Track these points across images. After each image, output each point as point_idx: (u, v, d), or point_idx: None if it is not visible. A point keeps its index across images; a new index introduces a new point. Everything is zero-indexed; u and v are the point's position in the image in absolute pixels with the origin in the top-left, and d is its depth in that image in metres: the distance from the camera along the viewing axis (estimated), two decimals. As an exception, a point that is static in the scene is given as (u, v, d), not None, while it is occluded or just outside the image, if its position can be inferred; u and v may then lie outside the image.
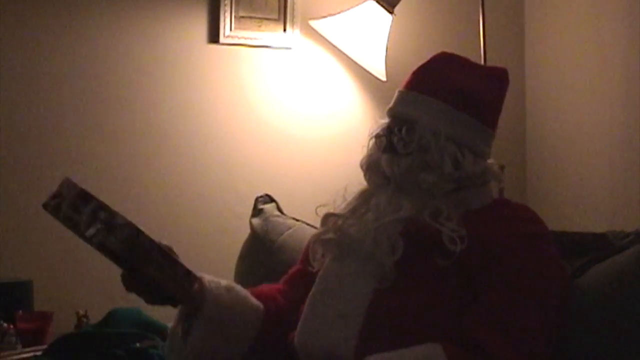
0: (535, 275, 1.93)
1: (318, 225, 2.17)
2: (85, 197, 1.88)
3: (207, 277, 2.08)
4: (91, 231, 1.86)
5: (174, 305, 2.03)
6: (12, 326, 2.69)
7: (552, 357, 1.89)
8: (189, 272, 2.00)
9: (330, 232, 2.09)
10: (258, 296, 2.15)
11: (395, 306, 1.93)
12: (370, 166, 2.14)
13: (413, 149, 2.05)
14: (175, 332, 2.06)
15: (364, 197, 2.13)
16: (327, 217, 2.14)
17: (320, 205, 2.17)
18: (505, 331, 1.85)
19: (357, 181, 2.20)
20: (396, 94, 2.15)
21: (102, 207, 1.85)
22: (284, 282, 2.29)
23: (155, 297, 1.99)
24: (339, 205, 2.15)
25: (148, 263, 1.90)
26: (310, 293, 2.06)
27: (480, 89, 2.13)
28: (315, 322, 2.00)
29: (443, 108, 2.08)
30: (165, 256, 1.94)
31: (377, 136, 2.13)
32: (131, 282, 1.99)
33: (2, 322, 2.69)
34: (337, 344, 1.94)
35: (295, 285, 2.22)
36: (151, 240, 1.92)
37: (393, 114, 2.12)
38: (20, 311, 2.77)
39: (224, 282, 2.10)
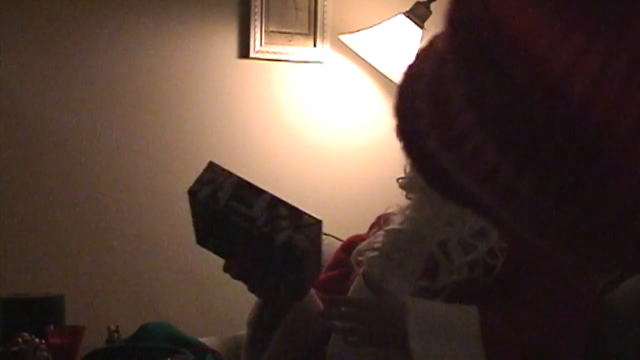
0: (571, 281, 1.92)
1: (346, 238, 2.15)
2: (250, 186, 1.84)
3: None
4: (268, 227, 1.80)
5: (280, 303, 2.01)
6: (43, 341, 2.70)
7: None
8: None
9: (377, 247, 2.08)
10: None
11: None
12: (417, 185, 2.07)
13: None
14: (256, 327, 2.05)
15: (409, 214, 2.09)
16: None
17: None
18: (535, 314, 1.84)
19: (388, 193, 2.19)
20: None
21: (279, 200, 1.80)
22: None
23: (276, 291, 1.95)
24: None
25: (316, 262, 1.85)
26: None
27: None
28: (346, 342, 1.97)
29: None
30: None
31: None
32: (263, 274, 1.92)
33: (33, 337, 2.69)
34: None
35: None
36: None
37: None
38: (52, 326, 2.78)
39: None
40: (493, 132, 0.59)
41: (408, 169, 2.14)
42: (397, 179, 2.17)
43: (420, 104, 0.66)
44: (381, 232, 2.12)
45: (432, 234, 2.01)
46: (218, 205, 1.81)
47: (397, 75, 3.50)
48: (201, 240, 1.97)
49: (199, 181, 1.84)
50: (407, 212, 2.13)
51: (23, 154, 3.13)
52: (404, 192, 2.14)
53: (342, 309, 1.85)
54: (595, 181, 0.56)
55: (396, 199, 2.19)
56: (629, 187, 0.56)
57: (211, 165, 1.86)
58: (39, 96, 3.15)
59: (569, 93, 0.56)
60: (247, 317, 2.29)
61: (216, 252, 1.97)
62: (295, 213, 1.78)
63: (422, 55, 0.70)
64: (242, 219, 1.80)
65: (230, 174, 1.83)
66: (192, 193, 1.85)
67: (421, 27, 3.35)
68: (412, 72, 0.71)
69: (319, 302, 2.07)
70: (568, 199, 0.58)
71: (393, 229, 2.07)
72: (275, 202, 1.78)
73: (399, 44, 3.34)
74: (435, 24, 3.50)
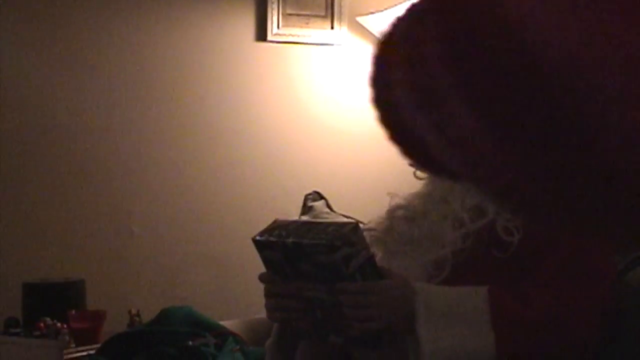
0: (590, 255, 1.91)
1: (366, 221, 2.15)
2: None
3: None
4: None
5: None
6: (65, 325, 2.71)
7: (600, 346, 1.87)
8: None
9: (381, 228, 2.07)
10: None
11: None
12: None
13: None
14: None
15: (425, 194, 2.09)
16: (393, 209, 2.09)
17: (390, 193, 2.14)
18: (549, 291, 1.84)
19: (405, 176, 2.18)
20: None
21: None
22: None
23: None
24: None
25: None
26: None
27: None
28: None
29: None
30: None
31: None
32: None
33: (55, 321, 2.71)
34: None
35: None
36: None
37: None
38: (73, 310, 2.79)
39: None
40: (470, 95, 0.58)
41: None
42: None
43: (395, 71, 0.65)
44: (381, 215, 2.11)
45: (427, 211, 2.01)
46: (347, 272, 1.79)
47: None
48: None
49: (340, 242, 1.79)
50: (410, 192, 2.14)
51: (45, 140, 3.14)
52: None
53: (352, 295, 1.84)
54: (577, 145, 0.55)
55: (413, 181, 2.19)
56: (611, 150, 0.55)
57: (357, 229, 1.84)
58: (59, 82, 3.16)
59: (549, 53, 0.55)
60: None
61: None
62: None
63: (397, 22, 0.69)
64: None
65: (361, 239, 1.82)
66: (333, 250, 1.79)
67: (439, 7, 3.34)
68: (387, 40, 0.70)
69: None
70: (551, 163, 0.57)
71: (393, 209, 2.08)
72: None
73: (417, 25, 3.33)
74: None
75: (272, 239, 1.85)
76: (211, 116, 3.31)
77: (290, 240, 1.82)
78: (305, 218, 2.76)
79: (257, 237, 1.88)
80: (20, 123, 3.12)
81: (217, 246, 3.27)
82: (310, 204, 2.81)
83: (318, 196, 2.84)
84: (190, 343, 2.35)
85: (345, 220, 1.86)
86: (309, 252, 1.79)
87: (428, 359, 1.77)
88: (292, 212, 2.94)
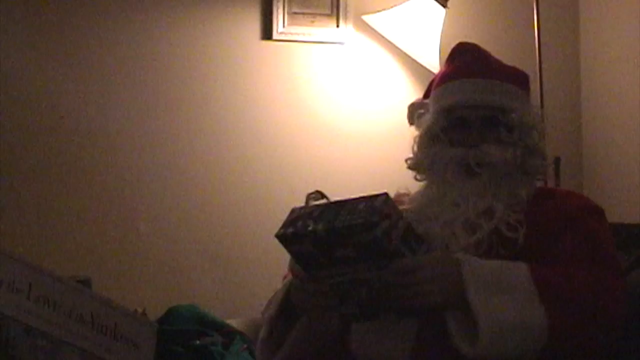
0: (602, 234, 1.92)
1: None
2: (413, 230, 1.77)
3: None
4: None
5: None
6: (72, 324, 2.72)
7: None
8: None
9: None
10: None
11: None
12: (441, 161, 2.04)
13: (516, 136, 2.00)
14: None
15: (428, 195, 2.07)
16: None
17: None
18: (579, 265, 1.84)
19: (410, 176, 2.18)
20: (455, 84, 2.07)
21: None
22: None
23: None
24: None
25: None
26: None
27: (517, 69, 2.12)
28: (370, 331, 1.95)
29: (512, 89, 2.04)
30: None
31: (444, 130, 2.05)
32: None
33: (62, 320, 2.71)
34: (393, 352, 1.90)
35: None
36: None
37: (472, 102, 2.03)
38: (80, 309, 2.79)
39: None
40: None
41: (415, 148, 2.13)
42: (406, 160, 2.16)
43: None
44: None
45: (438, 214, 2.00)
46: (390, 246, 1.71)
47: (420, 55, 3.49)
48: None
49: (382, 216, 1.70)
50: (415, 192, 2.13)
51: (49, 138, 3.14)
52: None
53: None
54: None
55: (415, 182, 2.18)
56: None
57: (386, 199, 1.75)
58: (64, 79, 3.16)
59: None
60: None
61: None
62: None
63: None
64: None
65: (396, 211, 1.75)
66: (374, 234, 1.69)
67: (444, 5, 3.34)
68: None
69: None
70: None
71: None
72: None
73: (422, 23, 3.33)
74: (458, 3, 3.49)
75: (299, 231, 1.75)
76: (217, 115, 3.31)
77: (321, 227, 1.72)
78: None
79: (283, 232, 1.77)
80: (25, 121, 3.12)
81: (223, 244, 3.27)
82: (312, 203, 2.79)
83: (320, 195, 2.83)
84: (198, 342, 2.35)
85: (366, 195, 1.78)
86: (345, 235, 1.70)
87: (483, 328, 1.74)
88: (298, 211, 2.93)
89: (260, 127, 3.36)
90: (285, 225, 1.78)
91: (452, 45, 2.25)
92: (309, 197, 2.82)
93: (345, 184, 3.36)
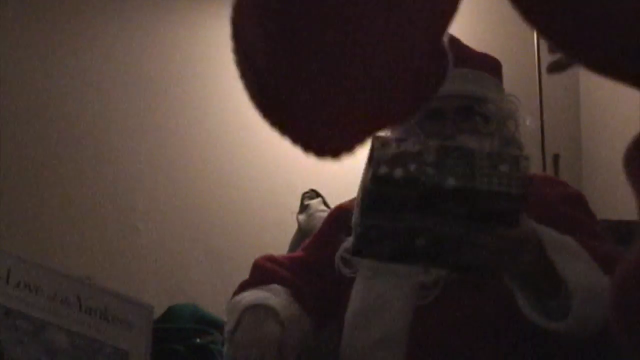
0: (591, 218, 1.91)
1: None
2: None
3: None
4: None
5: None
6: (72, 323, 2.72)
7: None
8: None
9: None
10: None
11: (440, 321, 1.82)
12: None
13: (492, 127, 1.92)
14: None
15: None
16: None
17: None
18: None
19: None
20: None
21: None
22: (294, 274, 2.06)
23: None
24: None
25: None
26: (348, 312, 1.90)
27: (489, 56, 2.05)
28: (357, 346, 1.86)
29: (486, 77, 1.97)
30: None
31: (418, 122, 1.90)
32: None
33: (62, 319, 2.71)
34: None
35: (311, 282, 2.04)
36: None
37: (446, 92, 1.83)
38: (80, 308, 2.80)
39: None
40: None
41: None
42: None
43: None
44: None
45: None
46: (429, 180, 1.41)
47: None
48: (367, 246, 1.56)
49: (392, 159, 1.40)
50: None
51: (49, 138, 3.14)
52: None
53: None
54: None
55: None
56: None
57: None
58: (65, 76, 3.17)
59: None
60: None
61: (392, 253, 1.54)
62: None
63: None
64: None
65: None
66: (382, 177, 1.39)
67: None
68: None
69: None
70: None
71: None
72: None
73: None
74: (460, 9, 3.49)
75: (411, 176, 1.41)
76: (217, 114, 3.32)
77: (454, 183, 1.40)
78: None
79: (388, 173, 1.41)
80: (24, 121, 3.12)
81: (223, 243, 3.27)
82: (306, 202, 2.78)
83: (315, 194, 2.83)
84: (198, 340, 2.35)
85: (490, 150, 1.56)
86: (480, 199, 1.42)
87: (574, 295, 1.63)
88: (297, 209, 2.94)
89: (260, 126, 3.35)
90: (388, 163, 1.42)
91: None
92: (304, 196, 2.82)
93: (345, 184, 3.36)
